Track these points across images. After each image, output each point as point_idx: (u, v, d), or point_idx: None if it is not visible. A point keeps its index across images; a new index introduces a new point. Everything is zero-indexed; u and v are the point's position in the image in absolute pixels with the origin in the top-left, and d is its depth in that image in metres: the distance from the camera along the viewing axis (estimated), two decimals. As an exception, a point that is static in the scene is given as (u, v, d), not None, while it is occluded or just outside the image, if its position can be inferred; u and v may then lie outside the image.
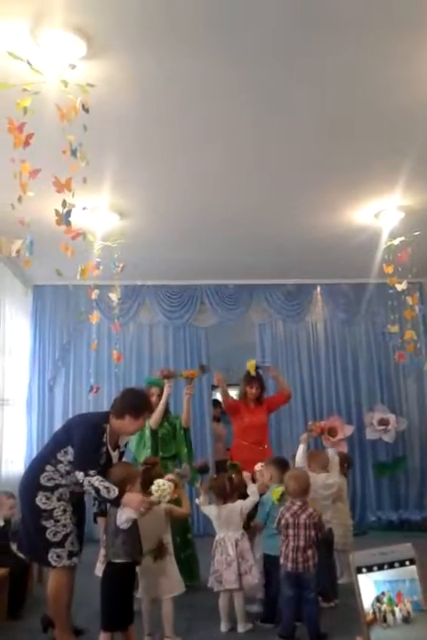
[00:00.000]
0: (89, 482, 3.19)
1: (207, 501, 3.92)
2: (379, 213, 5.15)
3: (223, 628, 3.66)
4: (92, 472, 3.20)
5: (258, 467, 4.29)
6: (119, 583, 3.14)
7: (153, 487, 3.32)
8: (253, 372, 5.33)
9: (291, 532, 3.48)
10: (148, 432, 4.47)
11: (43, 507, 3.32)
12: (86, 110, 2.68)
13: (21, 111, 2.61)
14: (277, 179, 4.50)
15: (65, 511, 3.36)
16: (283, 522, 3.51)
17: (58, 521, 3.32)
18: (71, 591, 3.40)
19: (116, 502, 3.17)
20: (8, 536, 4.24)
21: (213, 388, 8.03)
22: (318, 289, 7.45)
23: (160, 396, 4.69)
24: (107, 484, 3.18)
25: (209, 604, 3.86)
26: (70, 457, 3.36)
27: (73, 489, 3.41)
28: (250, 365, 5.36)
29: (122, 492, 3.16)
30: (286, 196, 4.84)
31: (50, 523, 3.31)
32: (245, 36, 2.83)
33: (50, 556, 3.30)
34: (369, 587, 0.74)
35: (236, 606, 3.69)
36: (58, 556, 3.29)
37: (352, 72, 3.17)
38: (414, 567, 0.81)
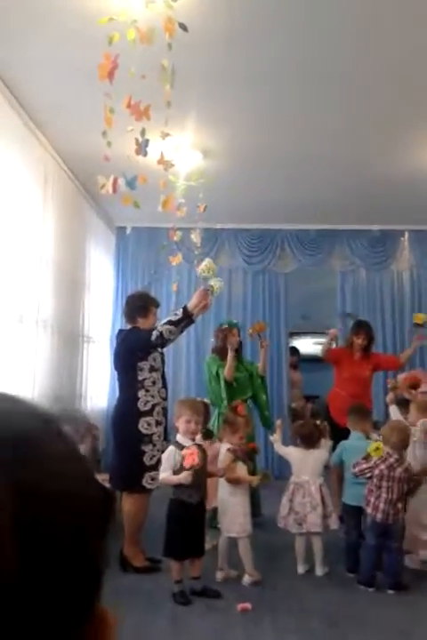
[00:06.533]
0: (156, 333, 3.53)
1: (281, 439, 3.92)
2: None
3: (301, 569, 3.68)
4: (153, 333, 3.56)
5: None
6: (181, 518, 3.20)
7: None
8: (421, 323, 5.30)
9: (385, 484, 3.43)
10: (223, 383, 4.51)
11: (144, 431, 3.57)
12: (184, 28, 2.54)
13: (107, 42, 2.52)
14: (365, 115, 4.20)
15: (160, 436, 3.62)
16: (377, 472, 3.46)
17: (155, 445, 3.57)
18: (147, 512, 3.65)
19: (186, 314, 3.54)
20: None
21: (291, 334, 7.95)
22: (406, 235, 7.06)
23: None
24: (165, 323, 3.56)
25: (278, 544, 3.89)
26: (147, 371, 3.63)
27: (164, 405, 3.69)
28: (418, 318, 5.37)
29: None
30: (374, 133, 4.53)
31: (149, 447, 3.55)
32: None
33: (144, 480, 3.53)
34: None
35: (315, 549, 3.69)
36: (152, 479, 3.53)
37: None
38: None
